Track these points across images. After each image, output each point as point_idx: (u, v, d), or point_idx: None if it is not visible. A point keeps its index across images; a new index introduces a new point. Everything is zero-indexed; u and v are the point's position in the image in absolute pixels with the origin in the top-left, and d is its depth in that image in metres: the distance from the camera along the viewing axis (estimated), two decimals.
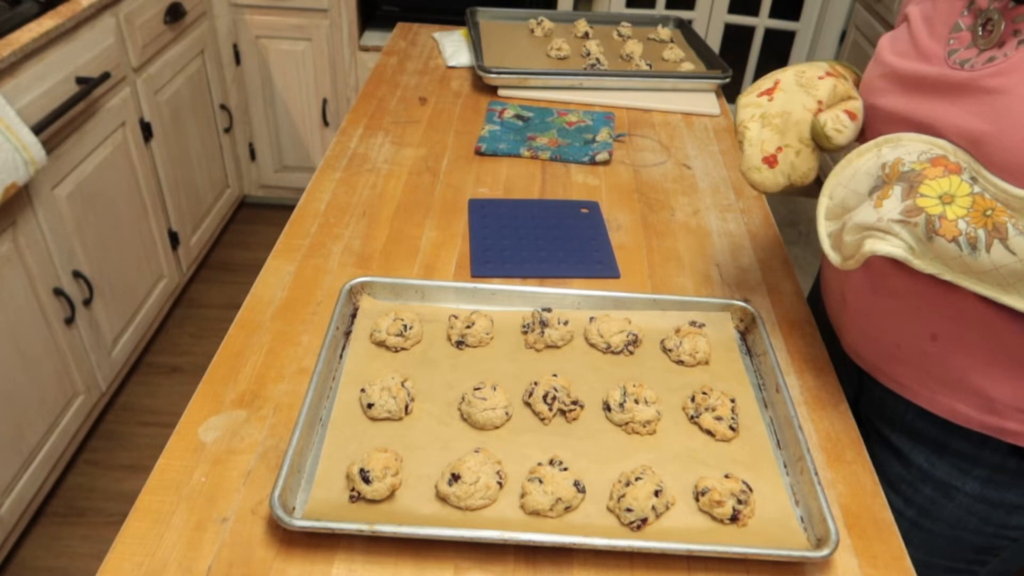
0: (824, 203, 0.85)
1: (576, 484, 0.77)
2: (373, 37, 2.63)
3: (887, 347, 0.89)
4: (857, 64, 2.85)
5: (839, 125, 0.86)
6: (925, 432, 0.91)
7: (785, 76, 0.92)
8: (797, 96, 0.89)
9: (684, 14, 2.90)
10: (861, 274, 0.88)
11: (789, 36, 3.19)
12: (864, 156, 0.82)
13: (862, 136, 0.90)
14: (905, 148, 0.78)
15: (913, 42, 0.84)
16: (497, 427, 0.85)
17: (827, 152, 0.90)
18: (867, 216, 0.78)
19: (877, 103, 0.87)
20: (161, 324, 2.41)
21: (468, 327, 0.96)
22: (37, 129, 1.56)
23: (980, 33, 0.78)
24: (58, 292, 1.75)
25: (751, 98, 0.92)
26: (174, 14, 2.20)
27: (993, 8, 0.77)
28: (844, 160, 0.83)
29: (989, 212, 0.70)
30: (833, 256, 0.84)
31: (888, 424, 0.95)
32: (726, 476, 0.79)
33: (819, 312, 1.08)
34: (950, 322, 0.80)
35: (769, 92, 0.91)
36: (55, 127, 1.68)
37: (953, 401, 0.85)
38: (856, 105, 0.88)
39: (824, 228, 0.85)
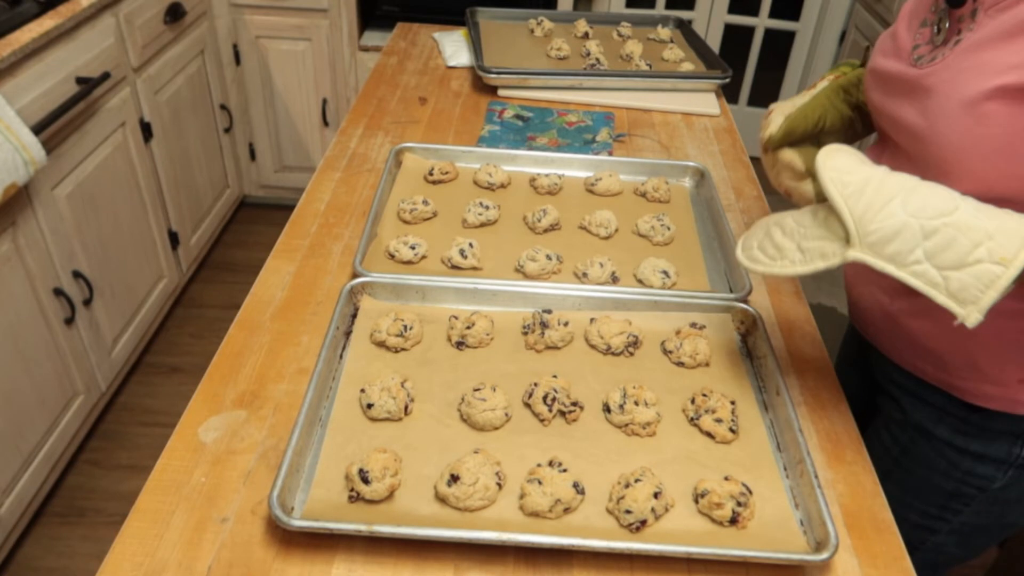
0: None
1: (575, 485, 0.77)
2: (373, 37, 2.63)
3: (866, 312, 1.01)
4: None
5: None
6: (907, 385, 0.99)
7: None
8: None
9: (684, 14, 2.90)
10: None
11: (789, 36, 3.19)
12: None
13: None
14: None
15: (894, 37, 0.89)
16: (496, 428, 0.85)
17: None
18: None
19: (869, 98, 0.93)
20: (161, 324, 2.41)
21: (468, 328, 0.96)
22: (37, 129, 1.56)
23: (936, 31, 0.82)
24: (58, 292, 1.75)
25: None
26: (174, 14, 2.19)
27: (944, 8, 0.81)
28: None
29: None
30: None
31: (884, 377, 1.04)
32: (726, 478, 0.79)
33: None
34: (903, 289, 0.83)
35: None
36: (55, 127, 1.68)
37: (916, 359, 0.95)
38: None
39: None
